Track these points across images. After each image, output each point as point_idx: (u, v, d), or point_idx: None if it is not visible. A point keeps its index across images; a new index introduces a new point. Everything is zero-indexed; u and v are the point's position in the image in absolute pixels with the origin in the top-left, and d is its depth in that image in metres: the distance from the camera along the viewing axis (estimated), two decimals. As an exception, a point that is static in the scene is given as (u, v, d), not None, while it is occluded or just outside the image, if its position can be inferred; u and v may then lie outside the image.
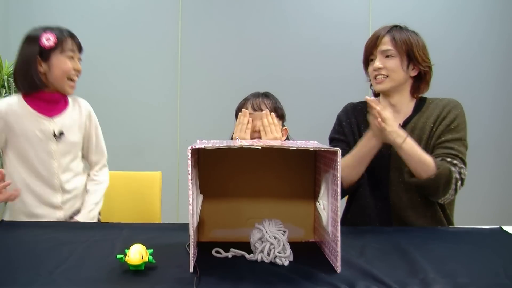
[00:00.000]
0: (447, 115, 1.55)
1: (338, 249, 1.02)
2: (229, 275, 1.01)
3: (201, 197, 1.20)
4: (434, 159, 1.45)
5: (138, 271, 1.01)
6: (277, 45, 3.23)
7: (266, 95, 1.79)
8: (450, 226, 1.56)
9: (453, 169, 1.45)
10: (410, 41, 1.55)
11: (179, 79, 3.23)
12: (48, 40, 1.56)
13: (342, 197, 1.68)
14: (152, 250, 1.04)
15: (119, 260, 1.03)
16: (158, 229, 1.45)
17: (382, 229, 1.47)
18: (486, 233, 1.39)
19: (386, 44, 1.55)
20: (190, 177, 1.00)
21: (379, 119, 1.40)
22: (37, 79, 1.58)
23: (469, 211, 1.59)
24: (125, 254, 1.02)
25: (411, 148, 1.43)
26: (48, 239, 1.29)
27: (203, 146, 1.02)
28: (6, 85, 2.74)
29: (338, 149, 1.01)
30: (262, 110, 1.71)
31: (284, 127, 1.82)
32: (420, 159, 1.43)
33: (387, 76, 1.56)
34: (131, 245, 1.03)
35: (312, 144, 1.10)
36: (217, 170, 1.30)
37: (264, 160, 1.29)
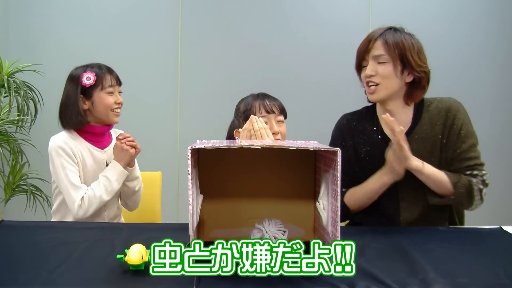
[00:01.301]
0: (454, 122, 1.49)
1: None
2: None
3: (201, 197, 1.20)
4: (450, 176, 1.43)
5: (138, 271, 1.01)
6: (277, 46, 3.23)
7: (268, 95, 1.78)
8: (450, 226, 1.56)
9: (474, 181, 1.44)
10: (403, 44, 1.44)
11: (179, 79, 3.23)
12: (88, 79, 1.68)
13: (347, 218, 1.64)
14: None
15: (119, 260, 1.03)
16: (158, 229, 1.45)
17: (382, 229, 1.47)
18: (486, 233, 1.40)
19: (378, 49, 1.45)
20: (190, 177, 1.00)
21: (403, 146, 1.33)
22: (81, 116, 1.69)
23: (469, 211, 1.59)
24: (125, 254, 1.02)
25: (430, 171, 1.42)
26: (48, 239, 1.29)
27: (203, 146, 1.02)
28: (6, 85, 2.73)
29: (338, 149, 1.01)
30: (274, 112, 1.70)
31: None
32: (438, 178, 1.43)
33: (379, 84, 1.46)
34: (131, 245, 1.03)
35: (312, 144, 1.10)
36: (217, 170, 1.29)
37: (264, 160, 1.29)
